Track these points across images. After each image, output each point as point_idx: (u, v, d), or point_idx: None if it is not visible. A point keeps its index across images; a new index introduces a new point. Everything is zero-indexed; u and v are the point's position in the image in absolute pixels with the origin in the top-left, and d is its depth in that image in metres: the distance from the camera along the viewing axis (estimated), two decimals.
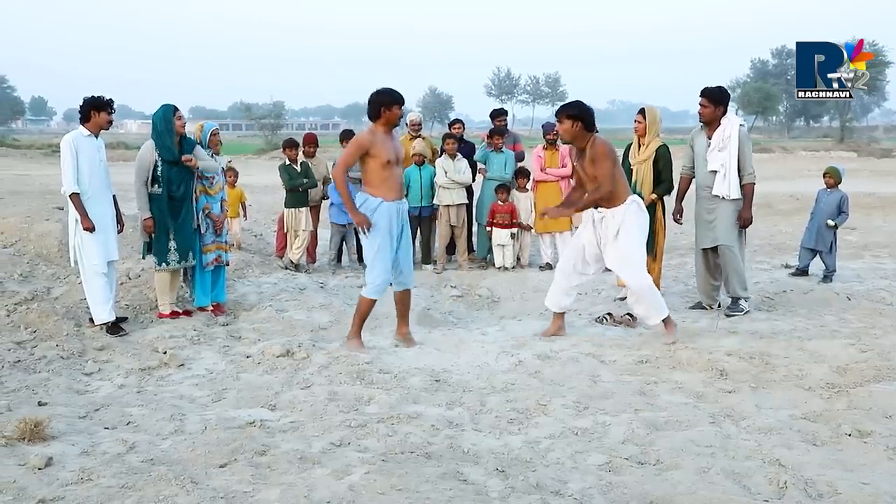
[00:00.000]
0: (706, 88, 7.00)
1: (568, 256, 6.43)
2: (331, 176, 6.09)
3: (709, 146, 6.96)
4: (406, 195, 9.29)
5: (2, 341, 5.86)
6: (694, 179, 7.27)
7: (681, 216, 7.43)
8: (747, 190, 6.91)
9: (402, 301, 6.27)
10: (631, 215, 6.01)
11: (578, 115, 5.92)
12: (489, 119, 10.27)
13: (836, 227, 8.67)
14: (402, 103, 5.96)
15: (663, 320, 6.14)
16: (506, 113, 10.29)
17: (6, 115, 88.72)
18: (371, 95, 5.94)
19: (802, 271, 8.86)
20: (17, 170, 28.35)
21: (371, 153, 5.82)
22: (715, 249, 7.08)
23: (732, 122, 6.94)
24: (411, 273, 6.28)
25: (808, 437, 4.16)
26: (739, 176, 6.88)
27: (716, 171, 6.91)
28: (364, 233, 5.90)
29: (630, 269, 6.06)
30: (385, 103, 5.85)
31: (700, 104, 6.97)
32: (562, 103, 6.18)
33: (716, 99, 6.92)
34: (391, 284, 6.16)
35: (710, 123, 6.96)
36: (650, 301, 6.12)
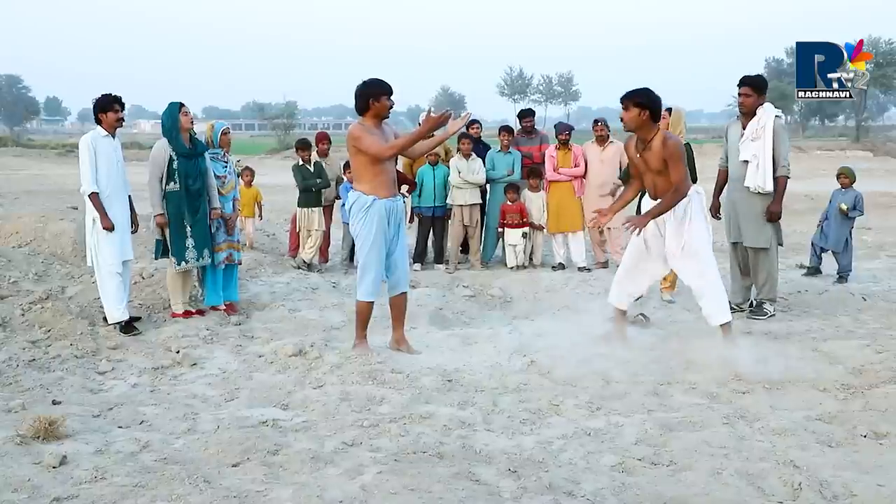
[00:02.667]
0: (747, 77, 6.80)
1: (630, 253, 6.06)
2: (381, 155, 5.55)
3: (742, 136, 6.81)
4: (419, 195, 9.33)
5: (16, 340, 5.90)
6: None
7: (718, 212, 7.30)
8: (780, 183, 6.73)
9: (398, 305, 6.00)
10: (694, 207, 5.68)
11: (646, 103, 5.52)
12: (517, 119, 10.22)
13: (847, 212, 8.61)
14: (392, 93, 5.65)
15: (722, 325, 5.80)
16: (533, 113, 10.20)
17: (21, 115, 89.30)
18: (358, 87, 5.66)
19: (815, 270, 8.82)
20: (33, 169, 28.58)
21: (361, 148, 5.57)
22: (745, 246, 6.98)
23: (768, 111, 6.74)
24: (406, 275, 6.07)
25: (824, 439, 4.13)
26: (773, 168, 6.69)
27: (747, 162, 6.75)
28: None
29: (695, 262, 5.70)
30: (374, 94, 5.58)
31: (742, 94, 6.77)
32: (628, 90, 5.71)
33: (759, 87, 6.76)
34: (386, 279, 5.93)
35: (751, 114, 6.76)
36: (716, 298, 5.75)
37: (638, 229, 5.70)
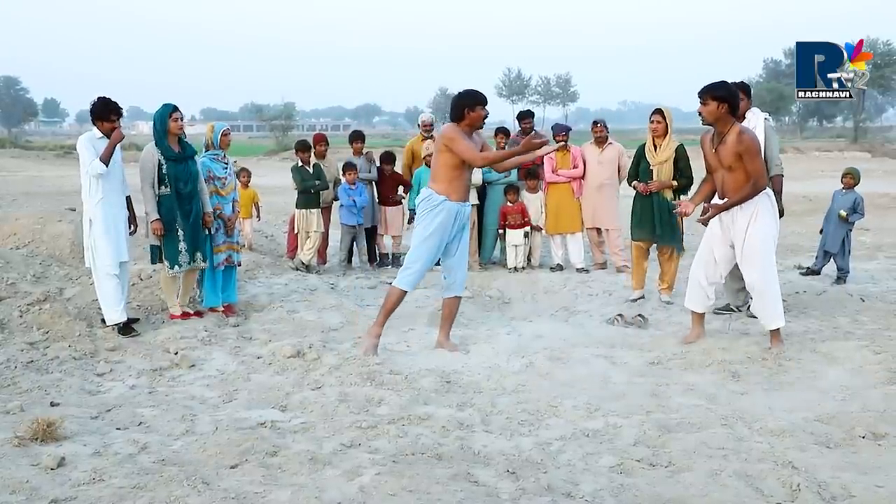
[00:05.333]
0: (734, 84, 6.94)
1: (699, 255, 6.09)
2: (472, 162, 5.78)
3: None
4: (416, 195, 9.32)
5: (14, 342, 5.89)
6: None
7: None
8: (775, 182, 6.74)
9: (450, 307, 6.14)
10: (763, 209, 5.67)
11: (725, 96, 5.56)
12: (516, 121, 10.20)
13: (847, 218, 8.62)
14: (486, 104, 5.83)
15: (773, 330, 5.80)
16: (532, 115, 10.16)
17: (19, 116, 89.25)
18: (454, 98, 5.83)
19: (814, 271, 8.82)
20: (31, 171, 28.56)
21: (454, 149, 5.69)
22: None
23: (757, 114, 6.86)
24: (463, 280, 6.17)
25: (822, 440, 4.13)
26: (766, 169, 6.75)
27: None
28: None
29: (755, 264, 5.68)
30: (469, 105, 5.73)
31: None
32: (707, 84, 5.72)
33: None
34: (444, 279, 6.10)
35: (741, 118, 6.79)
36: (772, 303, 5.72)
37: (707, 219, 5.83)
